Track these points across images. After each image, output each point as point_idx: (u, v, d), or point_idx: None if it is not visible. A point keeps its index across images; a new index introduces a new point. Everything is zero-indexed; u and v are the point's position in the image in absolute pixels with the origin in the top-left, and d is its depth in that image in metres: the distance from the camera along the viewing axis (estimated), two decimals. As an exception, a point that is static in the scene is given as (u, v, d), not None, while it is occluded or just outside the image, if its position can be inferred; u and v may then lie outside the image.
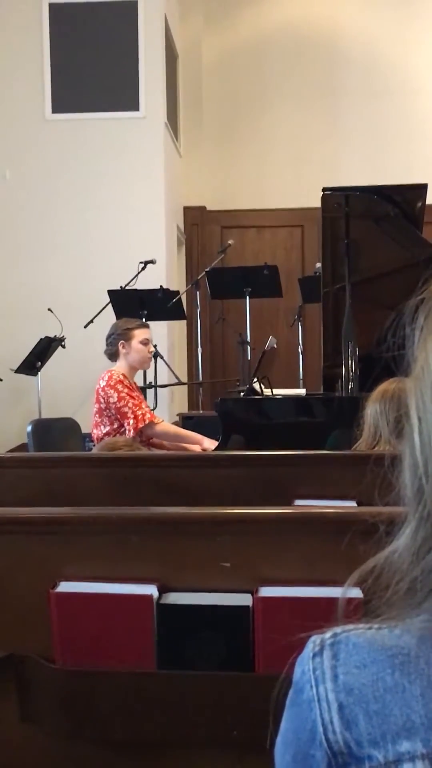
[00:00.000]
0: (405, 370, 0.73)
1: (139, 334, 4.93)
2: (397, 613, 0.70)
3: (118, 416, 4.76)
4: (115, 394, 4.76)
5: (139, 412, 4.74)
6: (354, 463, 2.36)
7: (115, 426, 4.78)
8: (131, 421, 4.72)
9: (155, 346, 5.21)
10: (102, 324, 7.25)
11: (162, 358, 6.71)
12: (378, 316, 4.27)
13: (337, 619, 0.73)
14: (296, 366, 8.34)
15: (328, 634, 0.71)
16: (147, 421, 4.74)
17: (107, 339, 5.00)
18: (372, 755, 0.66)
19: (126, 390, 4.79)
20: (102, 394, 4.79)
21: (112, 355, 4.97)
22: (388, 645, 0.68)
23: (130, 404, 4.76)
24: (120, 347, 4.90)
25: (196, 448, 4.76)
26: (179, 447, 4.87)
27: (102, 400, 4.80)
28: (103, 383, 4.81)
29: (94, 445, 4.96)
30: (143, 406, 4.84)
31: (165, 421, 5.09)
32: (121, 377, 4.83)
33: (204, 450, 4.68)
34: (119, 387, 4.78)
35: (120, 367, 4.93)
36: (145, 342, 4.94)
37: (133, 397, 4.81)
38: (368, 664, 0.68)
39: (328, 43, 9.87)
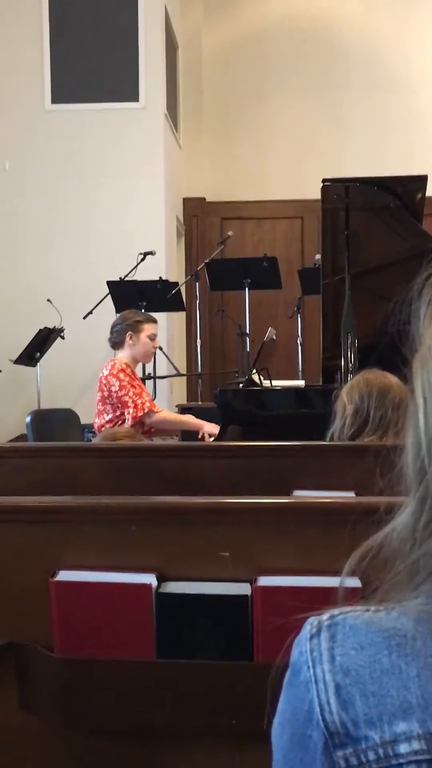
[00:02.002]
0: (410, 347, 0.73)
1: (148, 329, 5.00)
2: (394, 596, 0.71)
3: (119, 405, 4.81)
4: (117, 383, 4.82)
5: (138, 401, 4.80)
6: (353, 454, 2.37)
7: (118, 414, 4.85)
8: (131, 410, 4.77)
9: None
10: (101, 315, 7.27)
11: (161, 349, 6.72)
12: (378, 308, 4.27)
13: (335, 606, 0.74)
14: (295, 357, 8.35)
15: (325, 616, 0.72)
16: (146, 410, 4.79)
17: (113, 327, 5.06)
18: (368, 736, 0.66)
19: (128, 379, 4.86)
20: (105, 382, 4.86)
21: (117, 344, 5.03)
22: (385, 627, 0.69)
23: (130, 393, 4.81)
24: (127, 338, 4.96)
25: None
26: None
27: (105, 389, 4.86)
28: (106, 372, 4.88)
29: (94, 434, 5.02)
30: (143, 396, 4.88)
31: (165, 410, 5.15)
32: (124, 366, 4.90)
33: (205, 434, 4.75)
34: (121, 376, 4.84)
35: (123, 357, 4.98)
36: (153, 337, 5.03)
37: (134, 386, 4.87)
38: (365, 645, 0.68)
39: (329, 35, 9.84)
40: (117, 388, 4.81)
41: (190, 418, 5.02)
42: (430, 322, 0.71)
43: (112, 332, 5.05)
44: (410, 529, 0.71)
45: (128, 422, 4.74)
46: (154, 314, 5.48)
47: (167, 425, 5.01)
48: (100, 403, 4.90)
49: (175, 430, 5.08)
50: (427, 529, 0.69)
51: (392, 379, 2.74)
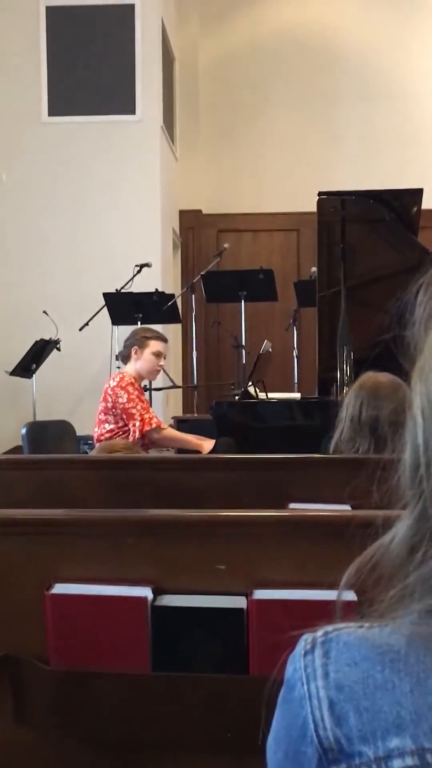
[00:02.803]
0: (406, 356, 0.72)
1: (153, 345, 5.06)
2: (389, 614, 0.71)
3: (124, 416, 4.84)
4: (125, 395, 4.86)
5: (146, 416, 4.87)
6: (349, 467, 2.37)
7: (120, 424, 4.88)
8: (137, 423, 4.82)
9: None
10: (97, 327, 7.28)
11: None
12: (373, 321, 4.27)
13: (332, 620, 0.74)
14: (291, 370, 8.35)
15: (319, 633, 0.72)
16: (154, 426, 4.83)
17: (125, 342, 5.14)
18: (362, 751, 0.66)
19: (136, 393, 4.91)
20: (111, 393, 4.90)
21: (124, 358, 5.12)
22: (379, 643, 0.69)
23: (138, 407, 4.88)
24: (133, 352, 5.01)
25: None
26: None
27: (110, 399, 4.90)
28: (113, 383, 4.93)
29: (92, 444, 5.05)
30: (151, 411, 4.95)
31: (170, 428, 5.21)
32: (133, 380, 4.94)
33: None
34: (130, 389, 4.89)
35: (130, 371, 5.03)
36: (157, 354, 5.06)
37: (142, 401, 4.92)
38: (359, 661, 0.68)
39: (324, 48, 9.89)
40: (125, 400, 4.85)
41: (193, 439, 5.04)
42: (426, 331, 0.71)
43: (123, 345, 5.15)
44: (407, 544, 0.71)
45: (134, 435, 4.79)
46: (151, 326, 5.52)
47: (171, 443, 5.08)
48: (102, 413, 4.94)
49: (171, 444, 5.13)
50: (425, 555, 0.69)
51: (385, 379, 2.73)
